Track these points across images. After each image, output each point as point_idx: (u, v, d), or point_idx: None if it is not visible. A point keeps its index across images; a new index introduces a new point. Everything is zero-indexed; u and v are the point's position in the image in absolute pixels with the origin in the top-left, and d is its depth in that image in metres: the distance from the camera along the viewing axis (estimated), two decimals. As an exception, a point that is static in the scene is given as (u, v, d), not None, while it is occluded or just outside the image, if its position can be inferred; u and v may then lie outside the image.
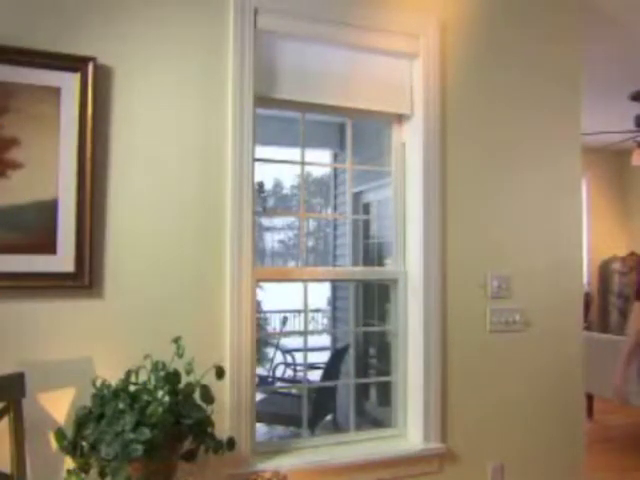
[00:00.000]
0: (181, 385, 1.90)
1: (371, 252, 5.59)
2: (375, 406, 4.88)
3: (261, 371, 6.59)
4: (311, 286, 2.65)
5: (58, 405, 1.99)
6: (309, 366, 4.91)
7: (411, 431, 2.60)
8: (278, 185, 18.55)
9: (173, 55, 2.20)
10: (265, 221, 15.19)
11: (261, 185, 9.04)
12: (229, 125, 2.25)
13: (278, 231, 18.26)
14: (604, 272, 7.28)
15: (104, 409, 1.80)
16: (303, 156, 2.57)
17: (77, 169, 2.03)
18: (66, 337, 2.03)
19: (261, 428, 4.34)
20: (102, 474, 1.80)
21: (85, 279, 2.03)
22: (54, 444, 1.88)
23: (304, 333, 2.84)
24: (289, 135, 3.12)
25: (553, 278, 2.81)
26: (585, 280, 6.58)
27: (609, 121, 5.75)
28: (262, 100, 2.35)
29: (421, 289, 2.56)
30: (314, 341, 6.92)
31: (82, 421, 1.82)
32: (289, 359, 7.05)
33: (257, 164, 2.34)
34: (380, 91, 2.57)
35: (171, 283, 2.17)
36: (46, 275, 2.00)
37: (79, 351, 2.03)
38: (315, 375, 4.97)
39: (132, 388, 1.87)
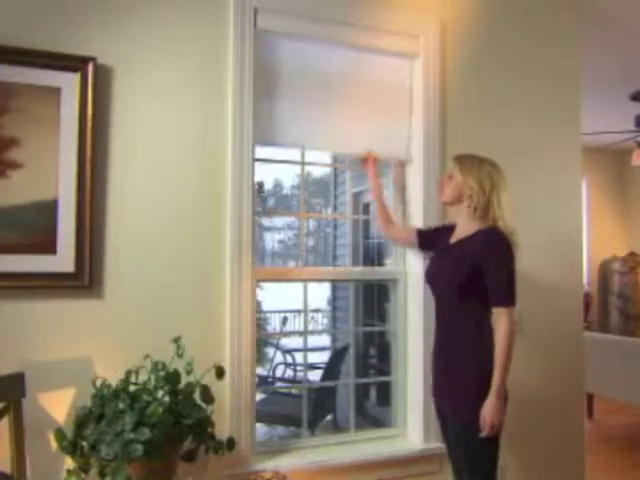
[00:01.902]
0: (181, 385, 1.90)
1: (371, 252, 5.59)
2: (375, 406, 4.87)
3: (261, 371, 6.59)
4: (311, 286, 2.65)
5: (58, 405, 1.99)
6: (309, 366, 4.90)
7: (411, 431, 2.60)
8: (278, 185, 18.55)
9: (173, 55, 2.20)
10: (265, 221, 15.19)
11: (261, 185, 9.04)
12: (229, 125, 2.25)
13: (278, 231, 18.24)
14: (604, 272, 7.27)
15: (104, 409, 1.80)
16: (303, 156, 2.57)
17: (77, 169, 2.03)
18: (66, 337, 2.03)
19: (261, 428, 4.34)
20: (102, 474, 1.80)
21: (85, 279, 2.03)
22: (54, 444, 1.88)
23: (304, 333, 2.84)
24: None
25: (553, 278, 2.81)
26: (585, 280, 6.58)
27: (609, 121, 5.74)
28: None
29: (421, 289, 2.55)
30: (314, 341, 6.92)
31: (82, 421, 1.82)
32: (289, 359, 7.04)
33: (257, 164, 2.34)
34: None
35: (171, 283, 2.17)
36: (46, 275, 2.00)
37: (79, 351, 2.03)
38: (315, 375, 4.97)
39: (132, 388, 1.87)
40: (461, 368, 2.08)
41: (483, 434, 1.98)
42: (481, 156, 2.19)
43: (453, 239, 2.20)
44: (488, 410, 1.98)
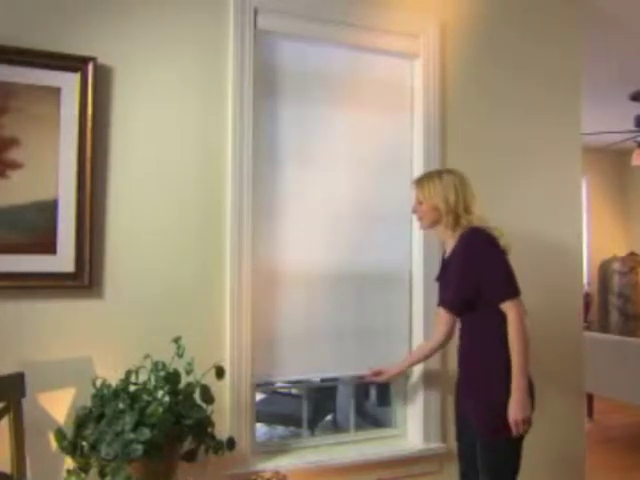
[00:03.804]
0: (181, 385, 1.90)
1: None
2: (375, 406, 4.86)
3: (261, 371, 6.57)
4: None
5: (58, 405, 1.99)
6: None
7: (411, 431, 2.59)
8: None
9: (173, 55, 2.20)
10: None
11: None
12: (229, 125, 2.25)
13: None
14: (604, 272, 7.27)
15: (104, 409, 1.80)
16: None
17: (77, 169, 2.03)
18: (66, 337, 2.03)
19: (261, 428, 4.33)
20: (102, 474, 1.80)
21: (85, 279, 2.03)
22: (54, 444, 1.88)
23: (304, 333, 2.83)
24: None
25: (553, 278, 2.81)
26: (585, 280, 6.57)
27: (609, 121, 5.74)
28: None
29: (421, 288, 2.55)
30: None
31: (82, 421, 1.82)
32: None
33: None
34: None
35: (171, 283, 2.17)
36: (46, 275, 2.00)
37: (79, 351, 2.03)
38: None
39: (132, 388, 1.87)
40: (484, 370, 2.04)
41: (513, 433, 1.94)
42: (437, 169, 2.28)
43: (445, 256, 2.21)
44: (510, 408, 1.94)
